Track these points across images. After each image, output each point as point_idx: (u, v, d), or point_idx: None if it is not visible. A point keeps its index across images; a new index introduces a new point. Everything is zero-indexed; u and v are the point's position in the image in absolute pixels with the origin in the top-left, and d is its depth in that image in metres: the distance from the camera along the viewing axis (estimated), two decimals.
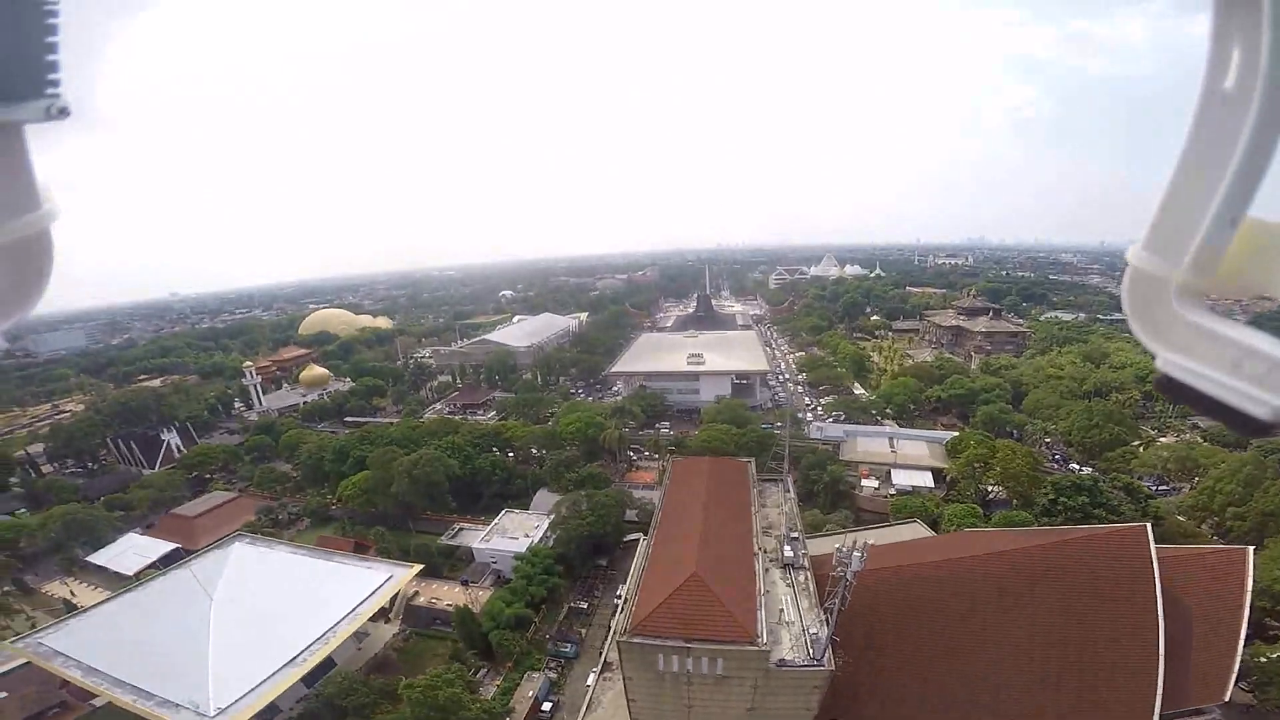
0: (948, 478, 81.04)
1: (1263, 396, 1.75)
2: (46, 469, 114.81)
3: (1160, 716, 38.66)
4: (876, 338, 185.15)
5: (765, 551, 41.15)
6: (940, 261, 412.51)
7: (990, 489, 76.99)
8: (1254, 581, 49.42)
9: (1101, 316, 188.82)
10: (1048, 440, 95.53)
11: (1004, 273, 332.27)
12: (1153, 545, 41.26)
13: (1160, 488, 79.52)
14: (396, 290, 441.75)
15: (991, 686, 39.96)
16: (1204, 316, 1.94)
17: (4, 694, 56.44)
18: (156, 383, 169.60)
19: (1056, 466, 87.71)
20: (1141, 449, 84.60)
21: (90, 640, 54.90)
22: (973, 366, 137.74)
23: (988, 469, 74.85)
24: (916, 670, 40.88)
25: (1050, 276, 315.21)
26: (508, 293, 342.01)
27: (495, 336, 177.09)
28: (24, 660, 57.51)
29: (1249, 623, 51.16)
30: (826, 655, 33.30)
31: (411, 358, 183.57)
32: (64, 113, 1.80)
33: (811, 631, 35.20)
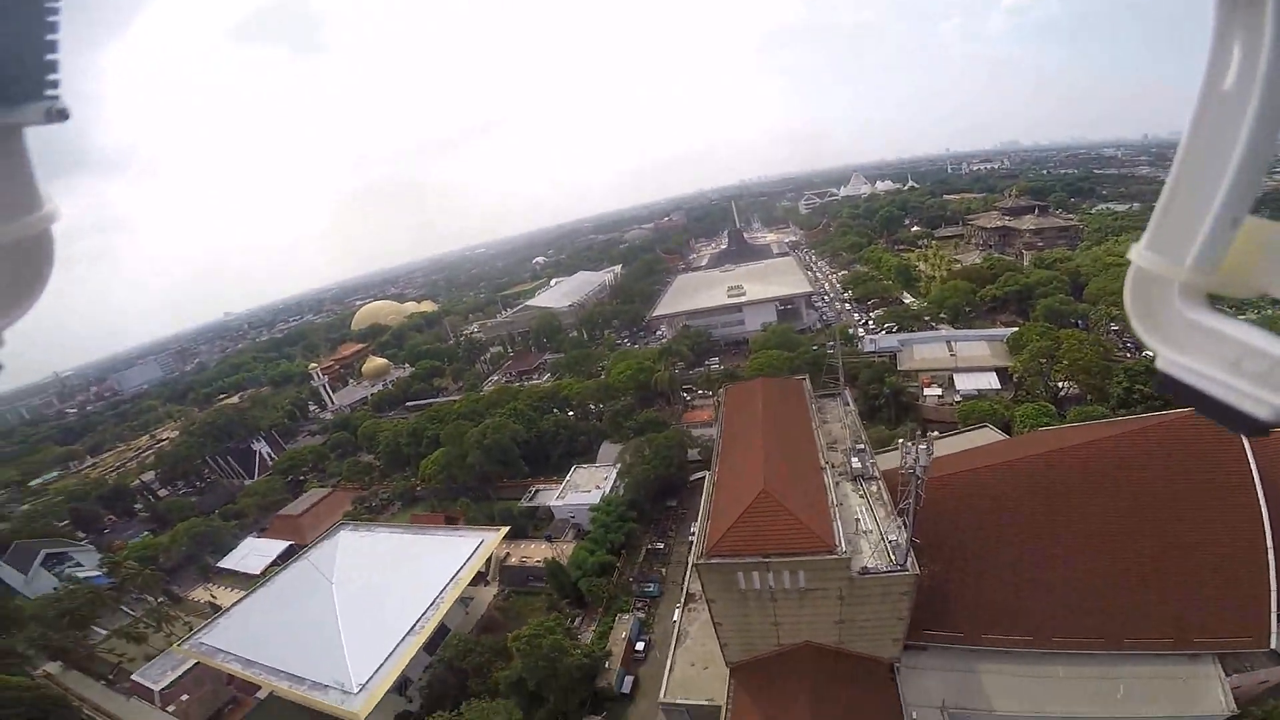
0: (1014, 377, 78.52)
1: (1263, 396, 1.77)
2: (162, 492, 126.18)
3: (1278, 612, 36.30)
4: (920, 247, 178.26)
5: (833, 466, 41.53)
6: (975, 168, 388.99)
7: (1060, 385, 74.24)
8: None
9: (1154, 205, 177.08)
10: (1115, 327, 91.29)
11: (1044, 172, 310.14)
12: None
13: None
14: (434, 275, 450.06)
15: (1088, 588, 38.72)
16: (1205, 315, 1.96)
17: (185, 696, 62.43)
18: (235, 399, 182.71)
19: (1129, 355, 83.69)
20: None
21: (240, 635, 60.60)
22: (1025, 263, 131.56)
23: (1055, 363, 71.72)
24: (1006, 576, 40.25)
25: (1096, 171, 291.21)
26: (540, 259, 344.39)
27: (536, 301, 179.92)
28: (193, 662, 63.44)
29: None
30: (909, 560, 33.54)
31: (461, 335, 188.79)
32: (63, 115, 1.82)
33: (891, 538, 35.54)
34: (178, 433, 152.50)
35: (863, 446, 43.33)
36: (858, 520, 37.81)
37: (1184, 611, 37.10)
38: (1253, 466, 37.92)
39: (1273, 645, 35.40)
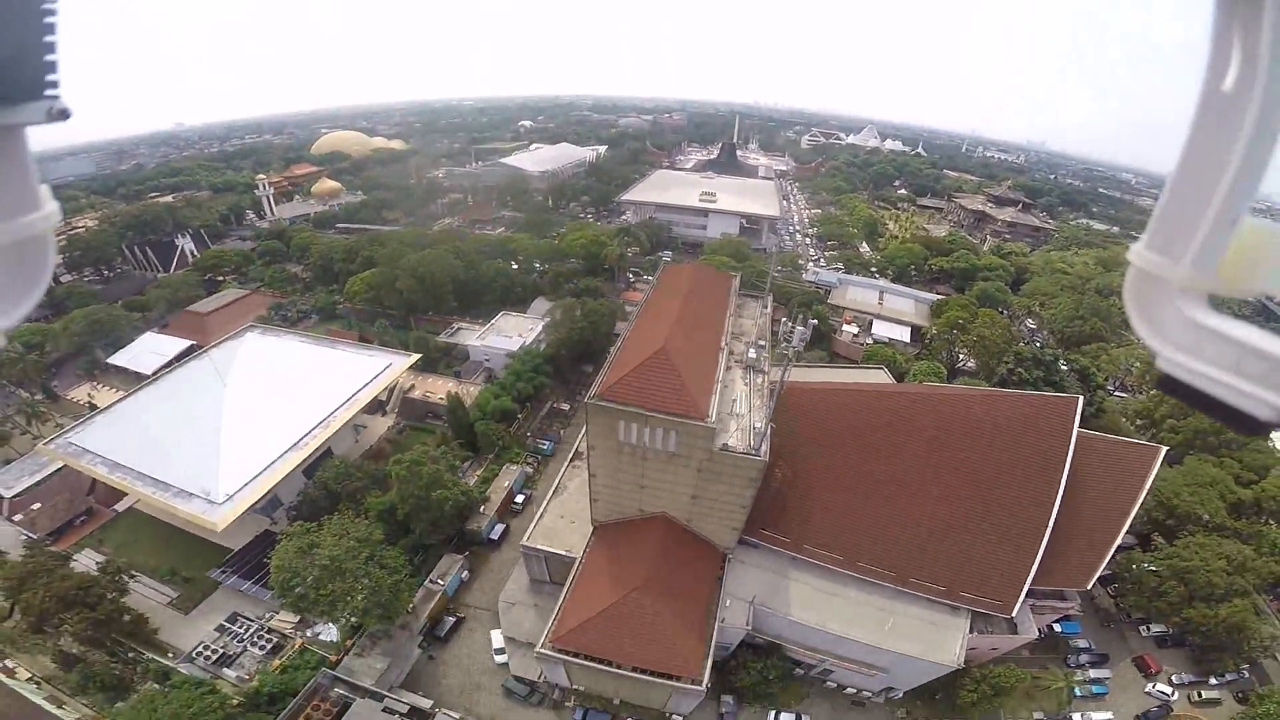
0: (925, 337, 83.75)
1: (1263, 396, 1.74)
2: (65, 278, 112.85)
3: (1028, 592, 41.36)
4: (898, 209, 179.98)
5: (732, 352, 44.40)
6: (989, 155, 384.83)
7: (961, 356, 79.60)
8: (1159, 493, 53.90)
9: (1137, 234, 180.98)
10: (1031, 324, 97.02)
11: (1052, 177, 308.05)
12: (1078, 418, 43.76)
13: (1119, 393, 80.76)
14: (412, 118, 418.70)
15: (900, 524, 43.88)
16: (1205, 315, 1.93)
17: (38, 505, 57.24)
18: (168, 199, 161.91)
19: (1032, 345, 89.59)
20: (1114, 349, 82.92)
21: (115, 436, 56.15)
22: (984, 248, 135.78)
23: (964, 332, 76.75)
24: (839, 496, 45.03)
25: (1101, 190, 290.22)
26: (527, 122, 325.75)
27: (511, 160, 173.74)
28: (57, 466, 58.10)
29: (1137, 529, 54.59)
30: (764, 448, 36.72)
31: (425, 177, 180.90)
32: (64, 114, 1.82)
33: (756, 425, 38.61)
34: (96, 223, 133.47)
35: (763, 343, 46.01)
36: (734, 402, 40.69)
37: (963, 566, 42.95)
38: (1068, 457, 42.73)
39: (1013, 614, 41.73)
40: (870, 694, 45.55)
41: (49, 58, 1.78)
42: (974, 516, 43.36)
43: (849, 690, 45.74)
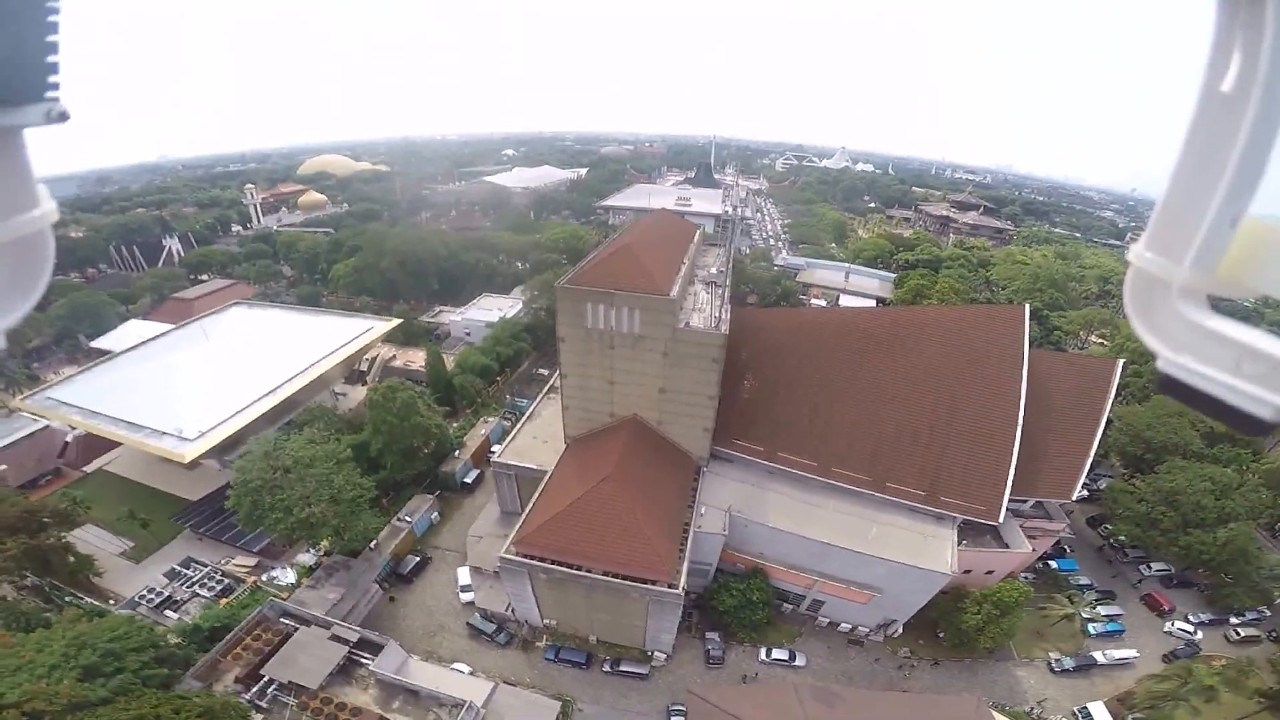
0: (890, 305, 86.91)
1: (1264, 396, 1.75)
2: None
3: (1015, 512, 42.15)
4: (866, 219, 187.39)
5: (695, 275, 47.53)
6: (957, 175, 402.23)
7: None
8: (1131, 427, 56.16)
9: (1097, 240, 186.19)
10: (988, 296, 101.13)
11: (1017, 192, 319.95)
12: (1026, 323, 46.56)
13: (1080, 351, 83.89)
14: (396, 150, 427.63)
15: (870, 429, 45.31)
16: (1205, 316, 1.93)
17: (3, 466, 57.55)
18: (155, 212, 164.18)
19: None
20: (1072, 313, 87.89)
21: (95, 390, 58.28)
22: (948, 243, 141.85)
23: (925, 299, 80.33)
24: (808, 402, 46.96)
25: (1063, 204, 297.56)
26: (510, 151, 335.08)
27: (494, 179, 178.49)
28: (30, 431, 59.37)
29: (1118, 470, 57.38)
30: (721, 326, 39.29)
31: (409, 193, 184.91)
32: (63, 116, 1.82)
33: (715, 315, 41.20)
34: (82, 233, 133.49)
35: (723, 269, 48.43)
36: (696, 296, 43.95)
37: (940, 471, 43.76)
38: (1024, 356, 44.93)
39: (999, 521, 42.20)
40: (867, 630, 44.93)
41: (50, 59, 1.79)
42: (943, 419, 44.72)
43: (844, 627, 45.29)
